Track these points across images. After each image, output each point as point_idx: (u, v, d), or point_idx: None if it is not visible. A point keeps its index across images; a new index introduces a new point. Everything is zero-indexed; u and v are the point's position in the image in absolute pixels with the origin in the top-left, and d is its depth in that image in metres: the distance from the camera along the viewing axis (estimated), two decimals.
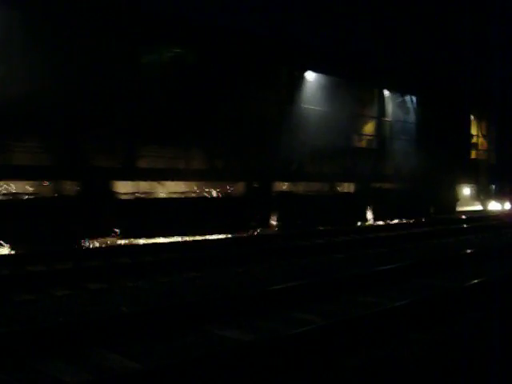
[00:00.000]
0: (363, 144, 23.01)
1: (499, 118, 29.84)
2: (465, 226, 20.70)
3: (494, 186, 29.93)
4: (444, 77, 26.88)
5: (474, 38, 30.11)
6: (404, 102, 24.23)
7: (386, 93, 22.94)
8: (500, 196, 30.28)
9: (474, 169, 28.54)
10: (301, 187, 20.01)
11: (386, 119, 23.06)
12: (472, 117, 29.34)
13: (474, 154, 29.16)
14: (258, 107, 17.75)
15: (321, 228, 18.52)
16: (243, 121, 17.16)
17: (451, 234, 17.63)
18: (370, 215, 21.87)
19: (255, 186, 17.81)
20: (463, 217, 24.36)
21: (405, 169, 23.42)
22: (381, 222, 21.80)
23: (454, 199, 26.72)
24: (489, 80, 30.60)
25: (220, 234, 16.56)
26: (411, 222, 22.21)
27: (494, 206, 31.10)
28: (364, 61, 21.64)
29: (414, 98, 24.74)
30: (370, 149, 22.65)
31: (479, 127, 29.69)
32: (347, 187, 21.93)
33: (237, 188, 17.66)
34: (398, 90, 23.52)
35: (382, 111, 22.73)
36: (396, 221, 22.56)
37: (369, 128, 23.15)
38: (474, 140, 29.32)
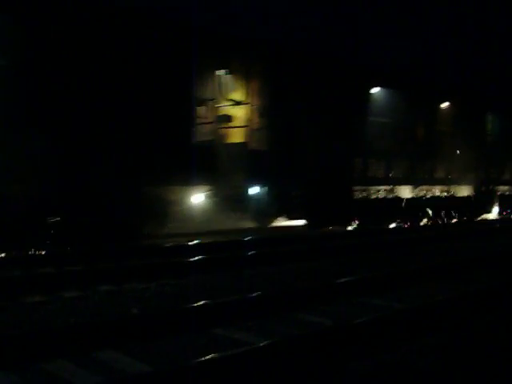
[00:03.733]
0: None
1: (274, 73, 17.50)
2: None
3: (262, 189, 17.45)
4: None
5: None
6: None
7: None
8: (282, 205, 17.78)
9: (209, 160, 16.20)
10: None
11: None
12: (221, 72, 17.07)
13: (213, 134, 16.80)
14: None
15: None
16: None
17: None
18: None
19: None
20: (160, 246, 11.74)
21: None
22: None
23: (141, 215, 14.32)
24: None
25: None
26: None
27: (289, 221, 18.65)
28: None
29: None
30: None
31: (231, 86, 17.33)
32: None
33: None
34: None
35: None
36: None
37: None
38: (220, 110, 16.95)
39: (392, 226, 20.87)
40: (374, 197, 21.32)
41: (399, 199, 21.78)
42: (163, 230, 14.92)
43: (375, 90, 20.69)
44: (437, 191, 24.09)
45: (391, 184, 21.75)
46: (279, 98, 17.52)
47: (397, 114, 21.50)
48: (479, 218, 24.90)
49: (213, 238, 14.92)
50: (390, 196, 21.77)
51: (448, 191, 24.80)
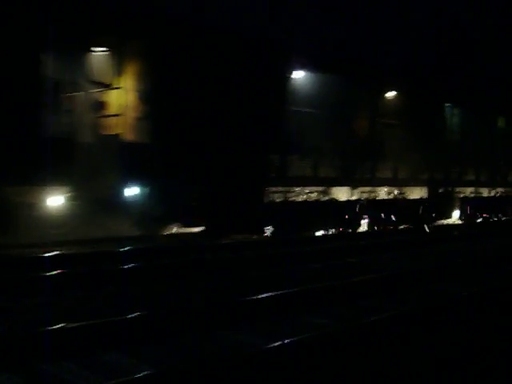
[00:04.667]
0: None
1: (161, 51, 14.62)
2: None
3: (143, 190, 14.58)
4: None
5: None
6: None
7: None
8: (172, 209, 14.90)
9: (70, 155, 13.36)
10: None
11: None
12: (93, 50, 14.24)
13: (80, 125, 13.96)
14: None
15: None
16: None
17: None
18: None
19: None
20: None
21: None
22: None
23: None
24: None
25: None
26: None
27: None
28: None
29: None
30: None
31: (106, 68, 14.50)
32: None
33: None
34: None
35: None
36: None
37: None
38: (92, 96, 14.09)
39: (319, 233, 18.02)
40: (301, 199, 18.38)
41: (330, 202, 18.84)
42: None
43: (299, 74, 17.75)
44: (383, 193, 21.12)
45: (322, 185, 18.78)
46: (167, 82, 14.64)
47: (329, 104, 18.53)
48: (435, 224, 21.95)
49: (66, 250, 12.42)
50: (320, 199, 18.83)
51: (398, 193, 21.80)
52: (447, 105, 24.59)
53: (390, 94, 20.94)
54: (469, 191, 24.95)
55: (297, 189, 17.49)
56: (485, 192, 25.73)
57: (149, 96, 14.57)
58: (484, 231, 20.16)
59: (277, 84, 16.95)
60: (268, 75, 16.45)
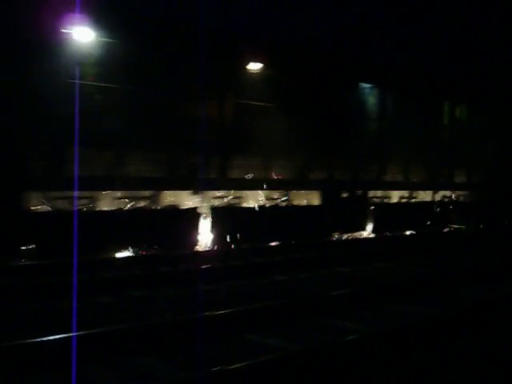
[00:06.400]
0: None
1: None
2: None
3: None
4: None
5: None
6: None
7: None
8: None
9: None
10: None
11: None
12: None
13: None
14: None
15: None
16: None
17: None
18: None
19: None
20: None
21: None
22: None
23: None
24: None
25: None
26: None
27: None
28: None
29: None
30: None
31: None
32: None
33: None
34: None
35: None
36: None
37: None
38: None
39: (125, 254, 12.86)
40: (107, 208, 13.28)
41: (145, 211, 13.64)
42: None
43: (88, 36, 12.74)
44: (253, 199, 15.77)
45: (140, 188, 13.63)
46: None
47: (147, 77, 13.50)
48: (331, 239, 16.42)
49: None
50: (147, 206, 13.68)
51: (282, 198, 16.42)
52: (365, 85, 19.10)
53: (255, 67, 15.66)
54: (397, 195, 19.28)
55: (74, 193, 12.35)
56: (422, 196, 19.99)
57: None
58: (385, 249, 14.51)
59: (39, 44, 11.97)
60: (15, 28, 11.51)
